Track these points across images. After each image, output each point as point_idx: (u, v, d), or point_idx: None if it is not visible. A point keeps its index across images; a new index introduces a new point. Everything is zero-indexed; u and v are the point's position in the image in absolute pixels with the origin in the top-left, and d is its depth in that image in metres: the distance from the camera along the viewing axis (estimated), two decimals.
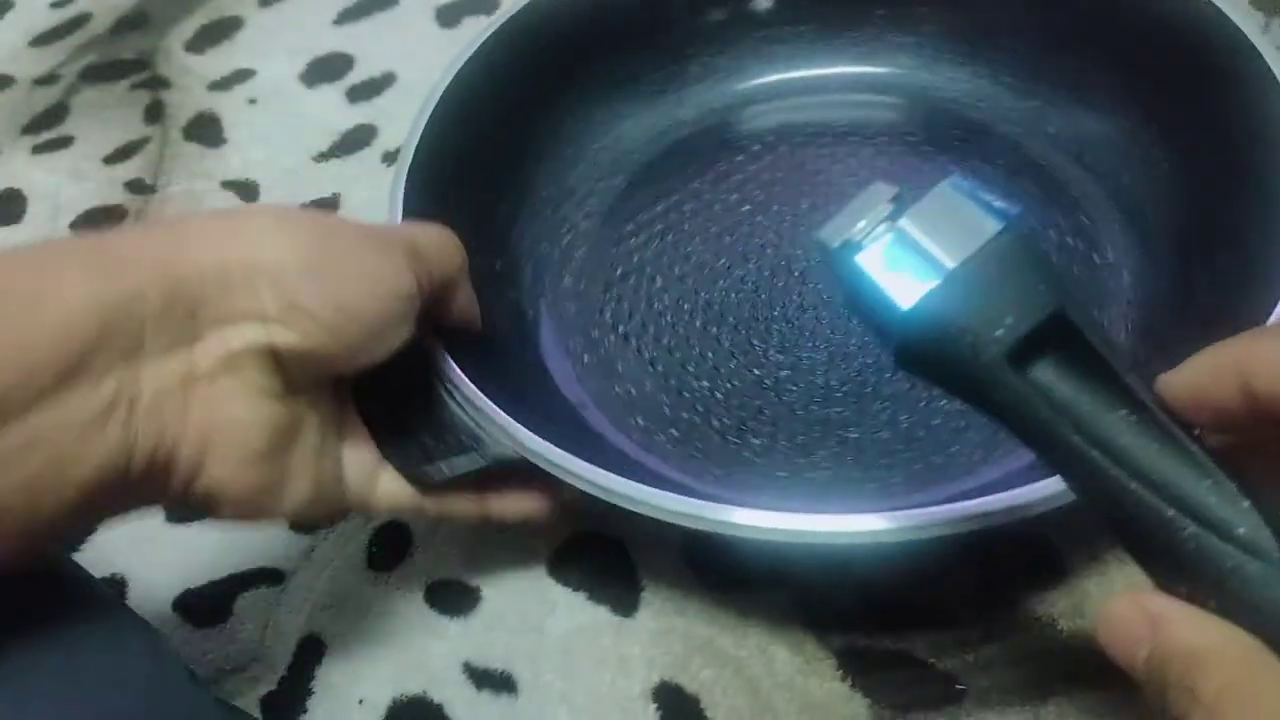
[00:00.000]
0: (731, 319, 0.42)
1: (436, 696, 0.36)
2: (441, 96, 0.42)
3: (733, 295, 0.43)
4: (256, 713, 0.37)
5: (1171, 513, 0.21)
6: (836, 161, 0.47)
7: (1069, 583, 0.36)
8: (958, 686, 0.34)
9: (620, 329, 0.43)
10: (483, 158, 0.42)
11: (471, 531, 0.40)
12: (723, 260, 0.44)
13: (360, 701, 0.37)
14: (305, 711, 0.37)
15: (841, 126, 0.48)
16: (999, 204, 0.24)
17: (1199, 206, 0.39)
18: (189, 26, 0.67)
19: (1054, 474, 0.27)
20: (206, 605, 0.40)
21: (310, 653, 0.38)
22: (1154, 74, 0.41)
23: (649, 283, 0.44)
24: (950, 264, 0.23)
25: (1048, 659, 0.34)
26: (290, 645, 0.38)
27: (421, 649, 0.38)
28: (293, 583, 0.40)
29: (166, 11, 0.68)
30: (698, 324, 0.42)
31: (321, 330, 0.28)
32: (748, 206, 0.46)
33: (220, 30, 0.66)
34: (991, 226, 0.24)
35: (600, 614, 0.38)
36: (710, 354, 0.41)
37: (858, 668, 0.35)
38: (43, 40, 0.69)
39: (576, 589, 0.38)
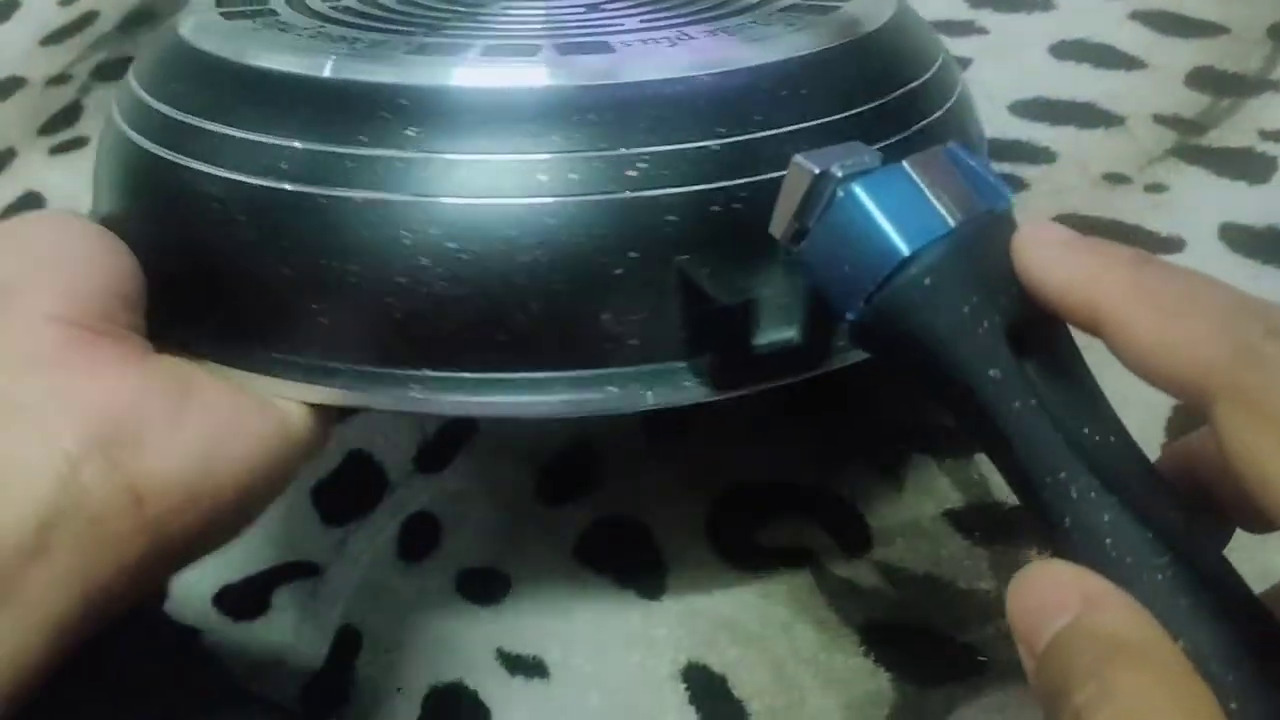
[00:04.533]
0: None
1: (472, 683, 0.37)
2: None
3: None
4: (297, 705, 0.38)
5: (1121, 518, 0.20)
6: None
7: None
8: (980, 659, 0.35)
9: None
10: None
11: (499, 519, 0.41)
12: None
13: (399, 690, 0.38)
14: (346, 701, 0.38)
15: None
16: (996, 181, 0.22)
17: None
18: None
19: None
20: (244, 600, 0.41)
21: (347, 644, 0.39)
22: None
23: None
24: (956, 219, 0.21)
25: None
26: (328, 637, 0.39)
27: (455, 637, 0.39)
28: (328, 575, 0.41)
29: (172, 6, 0.68)
30: None
31: None
32: None
33: None
34: (996, 197, 0.22)
35: (627, 597, 0.38)
36: None
37: (881, 642, 0.36)
38: (53, 39, 0.70)
39: (603, 573, 0.39)
